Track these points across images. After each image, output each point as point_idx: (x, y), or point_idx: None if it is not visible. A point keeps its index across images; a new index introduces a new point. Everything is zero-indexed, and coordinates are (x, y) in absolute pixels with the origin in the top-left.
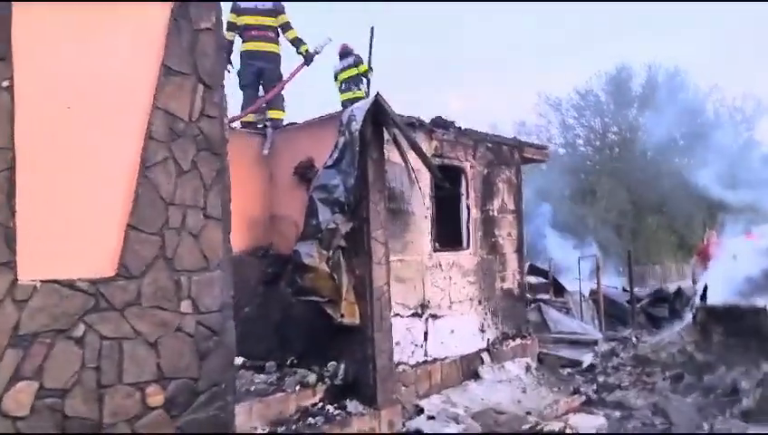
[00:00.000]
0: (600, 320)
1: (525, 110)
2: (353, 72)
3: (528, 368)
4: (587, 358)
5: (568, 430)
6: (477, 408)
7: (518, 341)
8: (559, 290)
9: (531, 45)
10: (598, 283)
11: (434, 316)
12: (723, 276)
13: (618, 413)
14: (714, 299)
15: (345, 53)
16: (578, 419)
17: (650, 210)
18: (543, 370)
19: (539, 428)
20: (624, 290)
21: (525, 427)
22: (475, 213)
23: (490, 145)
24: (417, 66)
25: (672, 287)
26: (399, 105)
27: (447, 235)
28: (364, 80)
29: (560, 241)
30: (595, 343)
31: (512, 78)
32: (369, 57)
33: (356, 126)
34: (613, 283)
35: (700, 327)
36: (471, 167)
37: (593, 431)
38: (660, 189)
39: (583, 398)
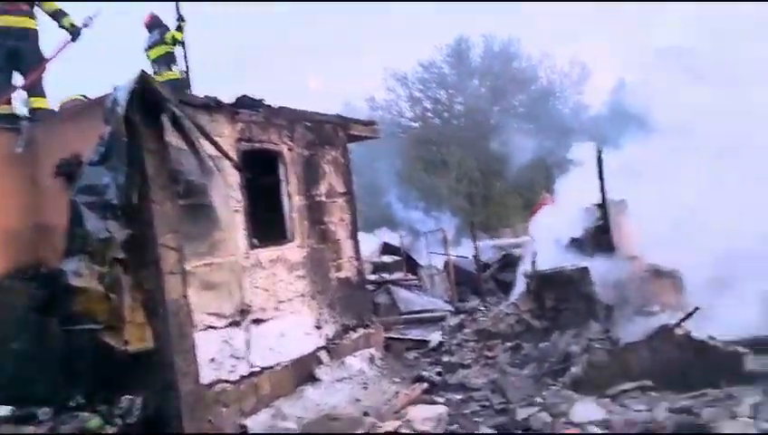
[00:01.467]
0: (452, 291)
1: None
2: (162, 49)
3: (372, 359)
4: (434, 337)
5: (404, 429)
6: (312, 416)
7: (360, 331)
8: (413, 266)
9: (380, 27)
10: (447, 255)
11: (257, 321)
12: (549, 240)
13: (459, 397)
14: (544, 264)
15: (152, 24)
16: (417, 411)
17: (497, 176)
18: (389, 358)
19: (374, 431)
20: (475, 258)
21: (360, 431)
22: (298, 200)
23: (310, 124)
24: (274, 53)
25: (518, 251)
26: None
27: (270, 228)
28: (177, 57)
29: (417, 215)
30: (443, 318)
31: (366, 60)
32: (179, 23)
33: (120, 111)
34: (468, 252)
35: (534, 295)
36: (289, 150)
37: (432, 424)
38: (505, 155)
39: (425, 385)
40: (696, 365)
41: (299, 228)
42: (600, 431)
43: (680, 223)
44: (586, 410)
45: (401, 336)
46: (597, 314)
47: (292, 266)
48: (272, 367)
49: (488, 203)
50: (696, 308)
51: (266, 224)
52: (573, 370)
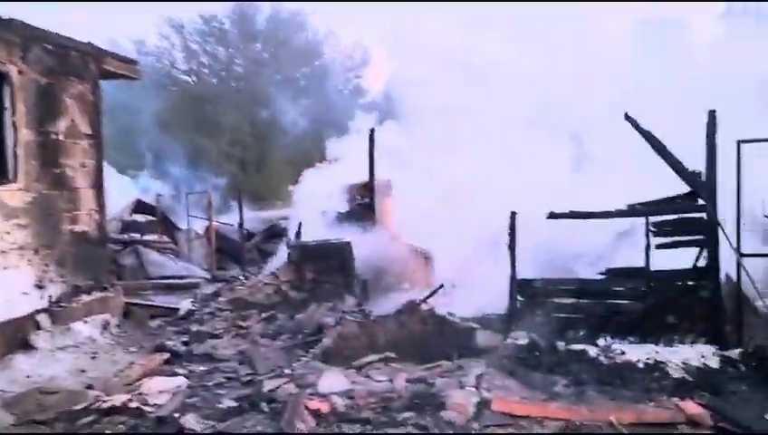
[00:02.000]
0: (211, 258)
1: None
2: None
3: (106, 326)
4: (184, 305)
5: (134, 403)
6: (19, 389)
7: (95, 294)
8: (170, 229)
9: None
10: (210, 220)
11: None
12: (315, 212)
13: (203, 368)
14: (308, 236)
15: None
16: (153, 383)
17: (274, 146)
18: (129, 325)
19: (97, 405)
20: (240, 227)
21: (81, 406)
22: (26, 135)
23: (51, 48)
24: None
25: (285, 223)
26: None
27: None
28: None
29: (180, 174)
30: (197, 286)
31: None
32: None
33: None
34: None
35: (295, 266)
36: (20, 72)
37: (168, 397)
38: (282, 125)
39: (165, 355)
40: (435, 339)
41: (24, 168)
42: (343, 402)
43: (438, 207)
44: (332, 381)
45: (146, 302)
46: (354, 289)
47: (11, 213)
48: None
49: (261, 172)
50: (441, 286)
51: None
52: (325, 341)
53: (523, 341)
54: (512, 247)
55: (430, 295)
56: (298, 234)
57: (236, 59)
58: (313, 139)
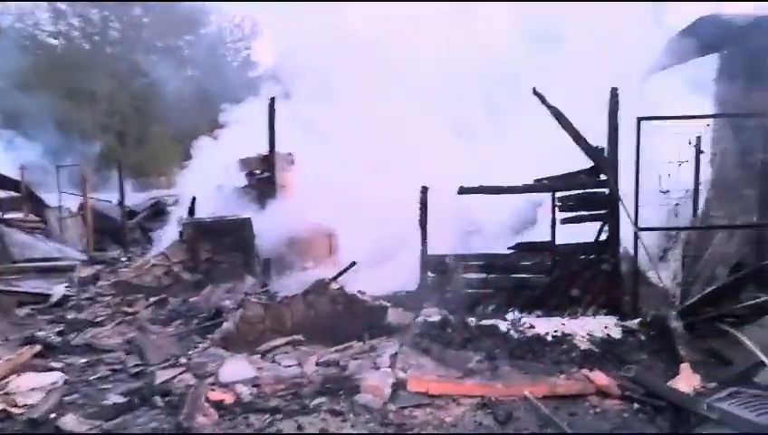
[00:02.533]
0: (88, 238)
1: None
2: None
3: None
4: (58, 290)
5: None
6: None
7: None
8: (38, 206)
9: None
10: (85, 196)
11: None
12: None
13: (84, 360)
14: (202, 212)
15: None
16: (23, 380)
17: (156, 119)
18: None
19: None
20: (121, 204)
21: None
22: None
23: None
24: None
25: (173, 199)
26: None
27: None
28: None
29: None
30: (73, 269)
31: None
32: None
33: None
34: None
35: (187, 245)
36: None
37: (41, 395)
38: (165, 97)
39: (37, 348)
40: (346, 319)
41: None
42: (248, 392)
43: (342, 183)
44: (235, 368)
45: (10, 289)
46: (254, 268)
47: None
48: None
49: (143, 146)
50: (353, 263)
51: None
52: (225, 326)
53: (435, 318)
54: (422, 223)
55: (340, 274)
56: (191, 210)
57: (112, 23)
58: (201, 111)
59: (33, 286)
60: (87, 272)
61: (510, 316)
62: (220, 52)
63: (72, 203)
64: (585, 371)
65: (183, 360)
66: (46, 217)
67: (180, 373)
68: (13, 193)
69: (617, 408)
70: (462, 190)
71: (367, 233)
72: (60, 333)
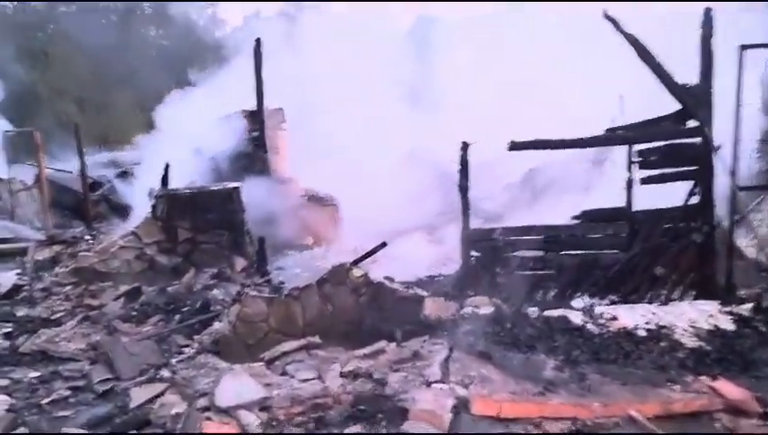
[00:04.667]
0: (45, 214)
1: None
2: None
3: None
4: (7, 278)
5: None
6: None
7: None
8: None
9: None
10: (40, 166)
11: None
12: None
13: (35, 375)
14: (178, 182)
15: None
16: None
17: (118, 84)
18: None
19: None
20: (82, 174)
21: None
22: None
23: None
24: None
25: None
26: None
27: None
28: None
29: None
30: (25, 251)
31: None
32: None
33: None
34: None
35: (162, 222)
36: None
37: None
38: (128, 61)
39: None
40: (372, 314)
41: None
42: (256, 420)
43: (338, 143)
44: (236, 386)
45: None
46: (245, 248)
47: None
48: None
49: (104, 111)
50: (383, 244)
51: None
52: (218, 325)
53: (486, 309)
54: (463, 188)
55: (366, 256)
56: (164, 179)
57: None
58: (167, 74)
59: None
60: (44, 254)
61: (578, 303)
62: (182, 10)
63: (27, 175)
64: (705, 378)
65: (165, 373)
66: None
67: (162, 392)
68: None
69: (760, 431)
70: (514, 146)
71: (375, 202)
72: (7, 336)
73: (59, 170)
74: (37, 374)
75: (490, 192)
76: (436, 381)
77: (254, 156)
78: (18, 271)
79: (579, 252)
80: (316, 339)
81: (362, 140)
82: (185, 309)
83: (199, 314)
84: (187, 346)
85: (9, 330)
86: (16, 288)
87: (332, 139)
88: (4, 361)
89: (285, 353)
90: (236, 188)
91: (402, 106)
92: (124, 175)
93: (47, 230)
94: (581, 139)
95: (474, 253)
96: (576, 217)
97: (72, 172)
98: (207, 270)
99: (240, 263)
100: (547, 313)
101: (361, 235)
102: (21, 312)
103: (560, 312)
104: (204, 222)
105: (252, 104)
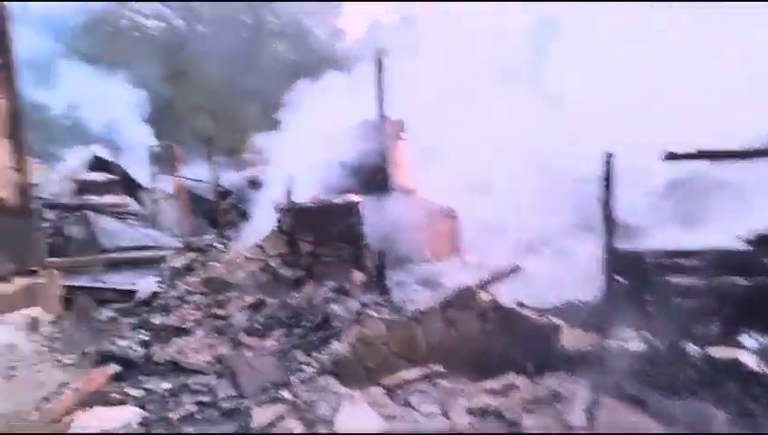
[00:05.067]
0: (182, 222)
1: None
2: None
3: (34, 326)
4: (146, 285)
5: None
6: None
7: (18, 282)
8: (133, 188)
9: None
10: (178, 177)
11: None
12: (311, 164)
13: (166, 386)
14: (302, 195)
15: None
16: (91, 417)
17: (248, 96)
18: (68, 320)
19: None
20: (215, 184)
21: None
22: None
23: None
24: None
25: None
26: None
27: None
28: None
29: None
30: (164, 259)
31: None
32: None
33: None
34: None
35: (287, 235)
36: None
37: None
38: (257, 75)
39: (113, 368)
40: (500, 342)
41: None
42: None
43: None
44: (356, 416)
45: (93, 285)
46: (364, 262)
47: None
48: None
49: (233, 122)
50: (516, 267)
51: None
52: (338, 346)
53: (637, 345)
54: (606, 205)
55: (494, 279)
56: (290, 193)
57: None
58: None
59: (118, 281)
60: (180, 262)
61: (749, 342)
62: (306, 24)
63: (167, 184)
64: None
65: (286, 393)
66: (141, 199)
67: (283, 415)
68: (109, 175)
69: None
70: (671, 156)
71: (497, 214)
72: (143, 344)
73: (194, 180)
74: (168, 386)
75: (628, 202)
76: (577, 429)
77: (375, 167)
78: (157, 278)
79: (748, 279)
80: (439, 367)
81: (484, 147)
82: (305, 323)
83: (319, 329)
84: (306, 363)
85: (145, 337)
86: (154, 295)
87: (452, 146)
88: (140, 370)
89: (406, 382)
90: (357, 203)
91: (527, 109)
92: (253, 184)
93: (183, 238)
94: (757, 149)
95: (618, 277)
96: (749, 241)
97: (205, 182)
98: (327, 283)
99: (358, 277)
100: (713, 352)
101: (483, 249)
102: (157, 320)
103: (727, 352)
104: (325, 235)
105: (372, 114)
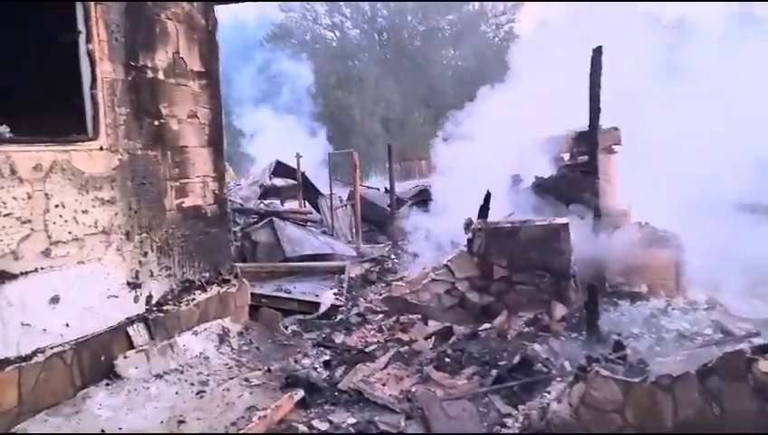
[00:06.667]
0: (357, 230)
1: None
2: None
3: (224, 337)
4: (326, 298)
5: None
6: None
7: (213, 290)
8: (312, 193)
9: None
10: (354, 184)
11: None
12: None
13: (352, 421)
14: (497, 214)
15: None
16: None
17: (418, 103)
18: (255, 332)
19: None
20: (389, 191)
21: None
22: (110, 70)
23: None
24: None
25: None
26: None
27: (49, 112)
28: None
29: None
30: (342, 269)
31: None
32: None
33: None
34: (378, 182)
35: (479, 258)
36: None
37: None
38: (428, 81)
39: (299, 393)
40: None
41: (109, 119)
42: None
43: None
44: None
45: (278, 295)
46: (568, 293)
47: (89, 183)
48: (32, 356)
49: (404, 131)
50: None
51: (41, 105)
52: (556, 407)
53: None
54: None
55: None
56: (484, 210)
57: (380, 10)
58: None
59: (300, 291)
60: (356, 271)
61: None
62: (480, 29)
63: (341, 191)
64: None
65: None
66: (320, 206)
67: None
68: (290, 181)
69: None
70: None
71: (730, 241)
72: (326, 365)
73: (368, 187)
74: (353, 420)
75: None
76: None
77: (581, 184)
78: (336, 290)
79: None
80: None
81: (713, 160)
82: (502, 363)
83: (519, 371)
84: (507, 416)
85: (328, 358)
86: (334, 308)
87: (672, 159)
88: (325, 397)
89: None
90: (565, 225)
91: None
92: (422, 193)
93: (358, 247)
94: None
95: None
96: None
97: (378, 189)
98: (522, 314)
99: (560, 310)
100: None
101: (714, 284)
102: (338, 338)
103: None
104: (523, 260)
105: (577, 124)
